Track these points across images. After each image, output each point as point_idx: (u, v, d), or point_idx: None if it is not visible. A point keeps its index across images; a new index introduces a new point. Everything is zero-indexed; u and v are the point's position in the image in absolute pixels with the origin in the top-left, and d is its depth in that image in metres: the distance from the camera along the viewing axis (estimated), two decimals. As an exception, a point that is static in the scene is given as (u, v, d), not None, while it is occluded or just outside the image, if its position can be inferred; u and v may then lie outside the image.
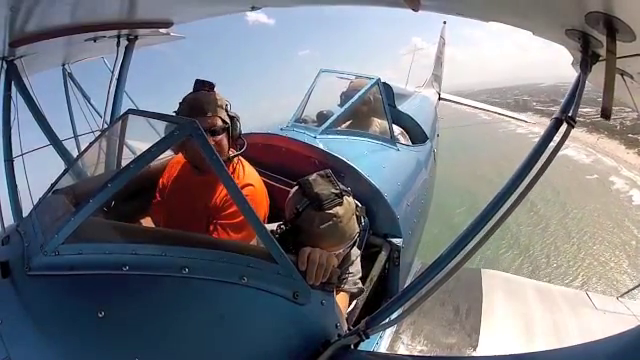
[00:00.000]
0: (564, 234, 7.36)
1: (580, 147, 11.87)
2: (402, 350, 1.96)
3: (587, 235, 7.17)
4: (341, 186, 1.33)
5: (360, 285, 1.55)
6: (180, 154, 1.77)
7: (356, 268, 1.56)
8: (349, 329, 1.26)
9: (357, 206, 1.38)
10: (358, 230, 1.35)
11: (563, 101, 1.31)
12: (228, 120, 1.70)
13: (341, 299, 1.38)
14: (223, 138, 1.68)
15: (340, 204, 1.28)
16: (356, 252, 1.60)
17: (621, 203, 8.58)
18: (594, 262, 6.13)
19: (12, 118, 2.68)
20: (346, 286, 1.47)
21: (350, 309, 1.74)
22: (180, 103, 1.70)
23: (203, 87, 1.70)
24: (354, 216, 1.33)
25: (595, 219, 7.61)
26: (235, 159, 1.78)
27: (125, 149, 1.88)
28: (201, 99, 1.67)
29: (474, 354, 1.97)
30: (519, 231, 6.73)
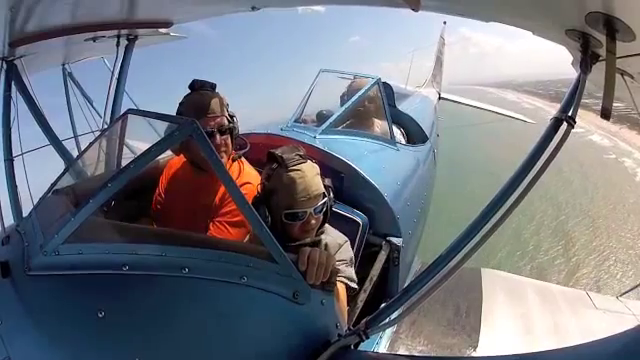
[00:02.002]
0: (582, 190, 9.89)
1: (604, 134, 14.44)
2: (402, 350, 1.96)
3: (599, 193, 9.69)
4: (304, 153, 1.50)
5: (352, 271, 1.56)
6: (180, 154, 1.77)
7: (348, 255, 1.57)
8: (349, 329, 1.26)
9: (325, 178, 1.52)
10: (324, 191, 1.46)
11: (563, 101, 1.31)
12: (230, 119, 1.71)
13: (339, 290, 1.38)
14: (228, 137, 1.68)
15: (303, 163, 1.44)
16: (342, 238, 1.62)
17: (628, 176, 11.18)
18: (602, 209, 8.72)
19: (12, 118, 2.68)
20: (339, 275, 1.45)
21: (349, 307, 1.74)
22: (181, 104, 1.68)
23: (204, 87, 1.69)
24: (318, 176, 1.47)
25: (606, 184, 10.29)
26: (238, 161, 1.78)
27: (125, 149, 1.88)
28: (207, 99, 1.66)
29: (474, 354, 1.97)
30: (549, 187, 9.02)
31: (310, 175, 1.43)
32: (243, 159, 1.83)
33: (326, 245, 1.54)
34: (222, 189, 1.65)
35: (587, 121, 12.19)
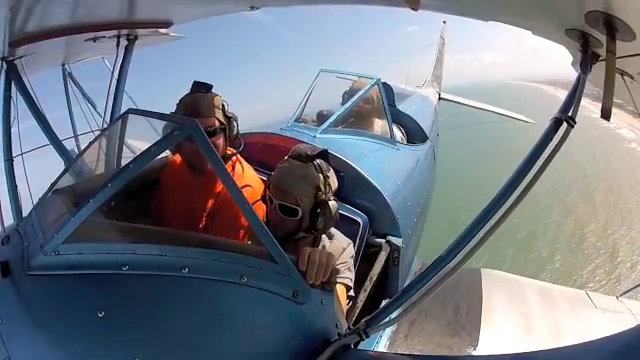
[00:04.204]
0: (605, 166, 12.94)
1: (631, 129, 17.38)
2: (402, 349, 1.96)
3: (619, 169, 12.64)
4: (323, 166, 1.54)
5: (352, 275, 1.56)
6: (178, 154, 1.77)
7: (349, 258, 1.58)
8: (349, 328, 1.26)
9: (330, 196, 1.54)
10: (300, 197, 1.46)
11: (563, 101, 1.31)
12: (224, 121, 1.70)
13: (338, 290, 1.39)
14: (219, 139, 1.68)
15: (299, 160, 1.51)
16: (346, 240, 1.63)
17: (644, 162, 15.21)
18: (617, 178, 11.69)
19: (12, 118, 2.68)
20: (339, 277, 1.47)
21: (349, 304, 1.74)
22: (177, 105, 1.69)
23: (199, 89, 1.69)
24: (303, 180, 1.48)
25: (624, 164, 13.39)
26: (234, 160, 1.78)
27: (125, 149, 1.88)
28: (197, 100, 1.66)
29: (474, 354, 1.97)
30: (579, 161, 11.86)
31: (292, 172, 1.46)
32: (242, 160, 1.83)
33: (323, 246, 1.55)
34: (221, 190, 1.65)
35: (619, 118, 15.24)
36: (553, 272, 7.17)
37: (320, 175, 1.48)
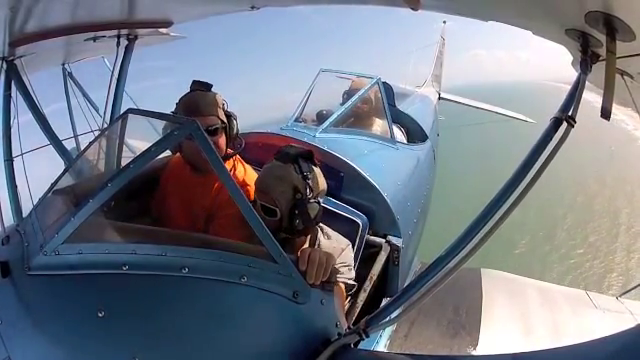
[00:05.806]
0: (619, 159, 14.58)
1: None
2: (402, 349, 1.96)
3: (631, 162, 14.56)
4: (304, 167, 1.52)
5: (352, 274, 1.57)
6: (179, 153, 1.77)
7: (349, 258, 1.58)
8: (349, 328, 1.26)
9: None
10: (275, 197, 1.45)
11: (563, 101, 1.31)
12: (225, 119, 1.70)
13: (337, 290, 1.39)
14: (220, 138, 1.68)
15: (279, 161, 1.50)
16: (345, 241, 1.63)
17: (654, 156, 17.11)
18: (629, 169, 13.38)
19: (12, 118, 2.68)
20: (339, 276, 1.48)
21: (349, 304, 1.74)
22: (177, 104, 1.69)
23: (199, 87, 1.69)
24: (279, 180, 1.46)
25: (636, 159, 15.43)
26: (234, 159, 1.78)
27: (125, 149, 1.88)
28: (197, 99, 1.66)
29: (474, 354, 1.97)
30: (598, 153, 14.10)
31: (271, 173, 1.47)
32: (242, 161, 1.83)
33: (319, 244, 1.55)
34: (221, 189, 1.65)
35: (637, 121, 16.70)
36: (564, 225, 9.48)
37: (299, 176, 1.45)
